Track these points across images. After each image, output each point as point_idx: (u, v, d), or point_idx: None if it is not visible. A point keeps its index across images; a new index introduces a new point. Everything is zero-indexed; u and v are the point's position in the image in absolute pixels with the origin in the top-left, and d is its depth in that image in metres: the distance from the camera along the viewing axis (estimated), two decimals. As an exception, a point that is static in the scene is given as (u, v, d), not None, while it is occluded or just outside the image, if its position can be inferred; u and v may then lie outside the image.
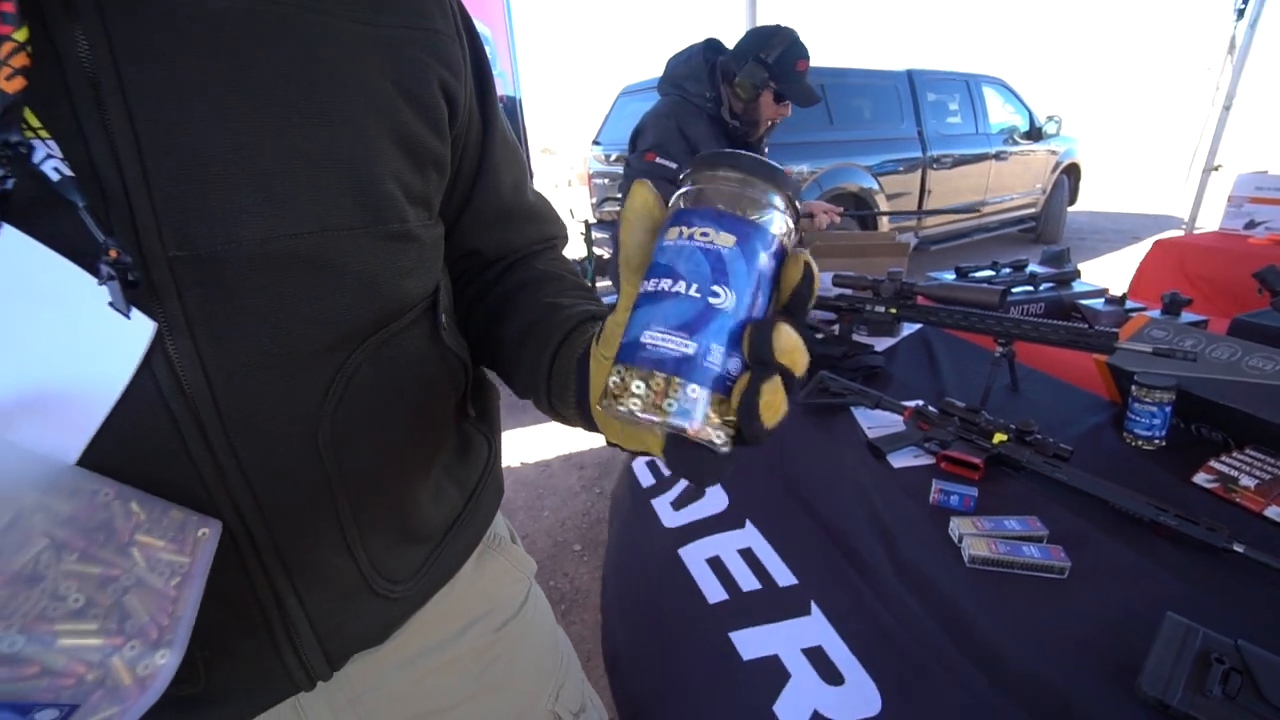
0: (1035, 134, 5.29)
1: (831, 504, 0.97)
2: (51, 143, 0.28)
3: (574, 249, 3.92)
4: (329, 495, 0.39)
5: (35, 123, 0.28)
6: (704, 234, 0.27)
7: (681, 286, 0.26)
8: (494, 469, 0.56)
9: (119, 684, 0.27)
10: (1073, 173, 6.00)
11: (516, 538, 0.63)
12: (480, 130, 0.47)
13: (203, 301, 0.32)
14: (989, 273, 1.85)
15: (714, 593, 0.85)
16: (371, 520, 0.43)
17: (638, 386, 0.26)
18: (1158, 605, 0.67)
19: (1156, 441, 1.02)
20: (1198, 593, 0.72)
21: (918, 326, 1.58)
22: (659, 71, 1.71)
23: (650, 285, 0.27)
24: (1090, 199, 8.54)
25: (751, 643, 0.76)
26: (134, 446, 0.32)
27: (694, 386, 0.26)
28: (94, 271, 0.29)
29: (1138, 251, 5.52)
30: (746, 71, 1.57)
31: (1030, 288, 1.73)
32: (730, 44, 1.68)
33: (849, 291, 1.40)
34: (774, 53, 1.59)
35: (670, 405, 0.26)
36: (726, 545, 0.93)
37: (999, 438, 0.99)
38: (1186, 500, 0.88)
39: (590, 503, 2.19)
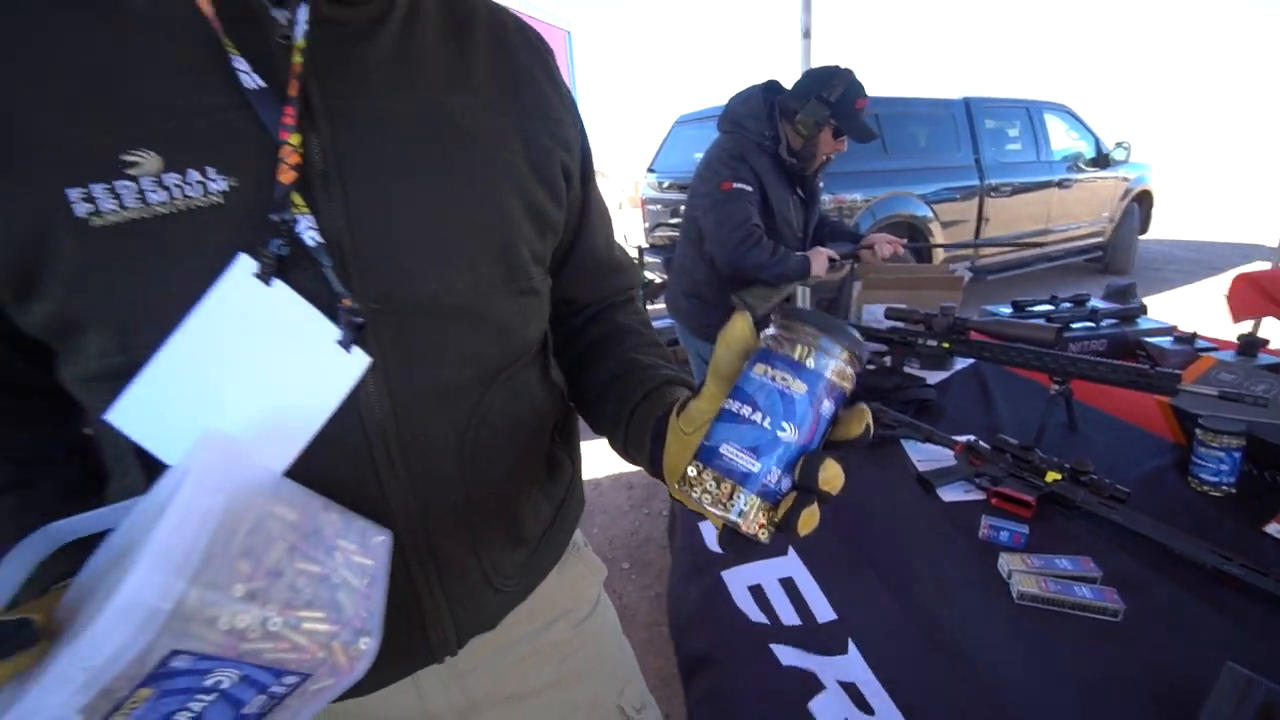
0: (1102, 161, 5.11)
1: (877, 534, 0.98)
2: (309, 217, 0.38)
3: (625, 273, 4.02)
4: (463, 503, 0.48)
5: (299, 201, 0.38)
6: (783, 378, 0.34)
7: (758, 417, 0.34)
8: (576, 485, 0.64)
9: (337, 663, 0.34)
10: (1144, 200, 5.75)
11: (588, 545, 0.70)
12: (581, 197, 0.56)
13: (391, 343, 0.41)
14: (1047, 307, 1.82)
15: (754, 614, 0.88)
16: (489, 526, 0.51)
17: (710, 484, 0.34)
18: (1217, 655, 0.66)
19: (1224, 488, 0.99)
20: (1261, 644, 0.71)
21: (971, 360, 1.58)
22: (712, 101, 1.81)
23: (734, 406, 0.35)
24: (1167, 227, 8.11)
25: (790, 655, 0.78)
26: (332, 455, 0.40)
27: (752, 497, 0.34)
28: (332, 316, 0.39)
29: (1217, 283, 5.22)
30: (809, 109, 1.65)
31: (1091, 324, 1.69)
32: (787, 84, 1.75)
33: (901, 325, 1.42)
34: (836, 92, 1.67)
35: (731, 506, 0.34)
36: (768, 573, 0.95)
37: (1052, 476, 0.99)
38: (1256, 550, 0.86)
39: (638, 522, 2.23)
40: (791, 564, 0.96)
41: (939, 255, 4.00)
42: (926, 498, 1.04)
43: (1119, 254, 5.60)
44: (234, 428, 0.37)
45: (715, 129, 1.90)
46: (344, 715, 0.52)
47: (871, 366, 1.51)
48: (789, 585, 0.93)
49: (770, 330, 0.36)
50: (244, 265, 0.36)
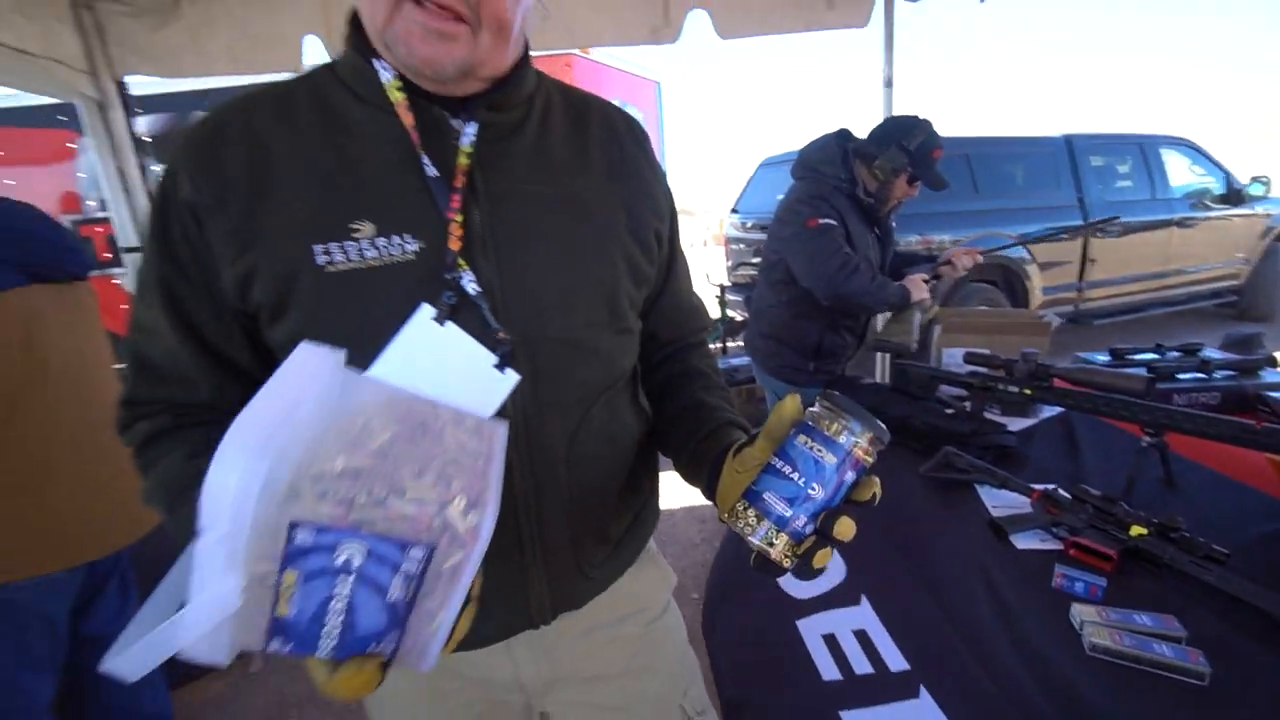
0: (1234, 197, 4.67)
1: (948, 580, 0.98)
2: (470, 274, 0.51)
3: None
4: (567, 499, 0.59)
5: (463, 262, 0.51)
6: (818, 449, 0.45)
7: (795, 476, 0.45)
8: (653, 500, 0.74)
9: (457, 533, 0.39)
10: (1290, 239, 5.17)
11: (660, 555, 0.79)
12: (669, 252, 0.69)
13: (526, 368, 0.54)
14: (1151, 356, 1.72)
15: (828, 670, 0.90)
16: (584, 521, 0.62)
17: (751, 519, 0.46)
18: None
19: (1345, 557, 0.92)
20: (1368, 722, 0.66)
21: (1059, 409, 1.52)
22: (795, 144, 1.90)
23: (778, 463, 0.46)
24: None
25: None
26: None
27: (782, 534, 0.45)
28: (489, 346, 0.52)
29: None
30: (889, 155, 1.72)
31: (1203, 375, 1.58)
32: (858, 132, 1.82)
33: (980, 370, 1.41)
34: (915, 141, 1.74)
35: (766, 538, 0.45)
36: (842, 623, 0.96)
37: (1137, 531, 0.96)
38: (1379, 626, 0.79)
39: (709, 555, 2.26)
40: (864, 614, 0.96)
41: (1036, 298, 3.81)
42: (998, 544, 1.03)
43: (1258, 298, 5.05)
44: None
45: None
46: (453, 672, 0.62)
47: (950, 411, 1.50)
48: (862, 636, 0.94)
49: (815, 408, 0.47)
50: (425, 311, 0.50)
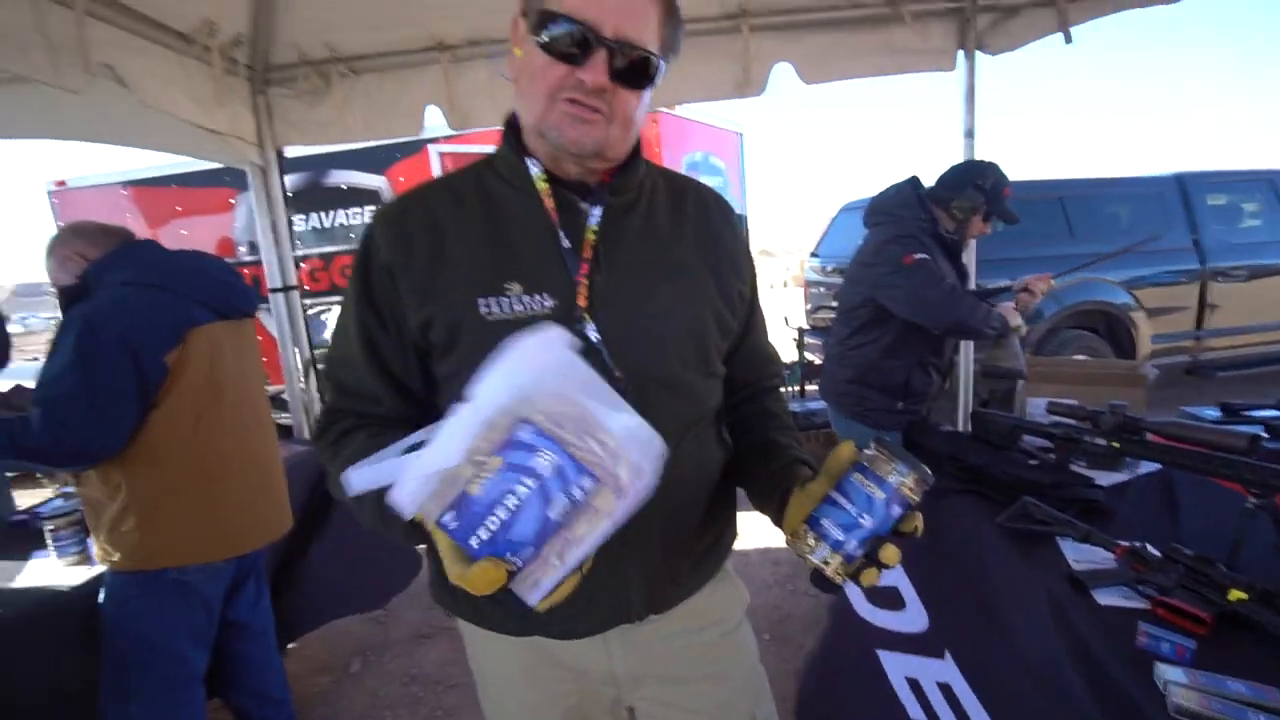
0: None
1: (1029, 634, 0.97)
2: (592, 324, 0.64)
3: (785, 352, 4.15)
4: (660, 516, 0.68)
5: (587, 316, 0.64)
6: (870, 486, 0.54)
7: (850, 508, 0.54)
8: (730, 525, 0.83)
9: (620, 482, 0.46)
10: None
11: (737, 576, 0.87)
12: (749, 306, 0.81)
13: (633, 403, 0.63)
14: (1271, 413, 1.59)
15: (914, 710, 0.91)
16: (674, 534, 0.72)
17: (810, 540, 0.55)
18: None
19: None
20: None
21: (1157, 465, 1.45)
22: (873, 190, 1.97)
23: (836, 496, 0.56)
24: None
25: None
26: None
27: (836, 555, 0.54)
28: (609, 384, 0.62)
29: None
30: (967, 195, 1.82)
31: (1328, 436, 1.46)
32: (925, 180, 1.93)
33: (1066, 420, 1.38)
34: (989, 181, 1.84)
35: (822, 558, 0.55)
36: (927, 674, 0.98)
37: (1236, 595, 0.92)
38: None
39: (782, 598, 2.25)
40: (949, 670, 0.98)
41: (1144, 347, 3.54)
42: (1078, 598, 1.01)
43: None
44: None
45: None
46: (554, 660, 0.72)
47: (1033, 461, 1.46)
48: (947, 691, 0.94)
49: (869, 451, 0.56)
50: None
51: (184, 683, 1.37)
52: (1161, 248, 3.64)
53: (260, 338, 1.69)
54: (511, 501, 0.45)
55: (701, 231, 0.75)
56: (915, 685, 0.95)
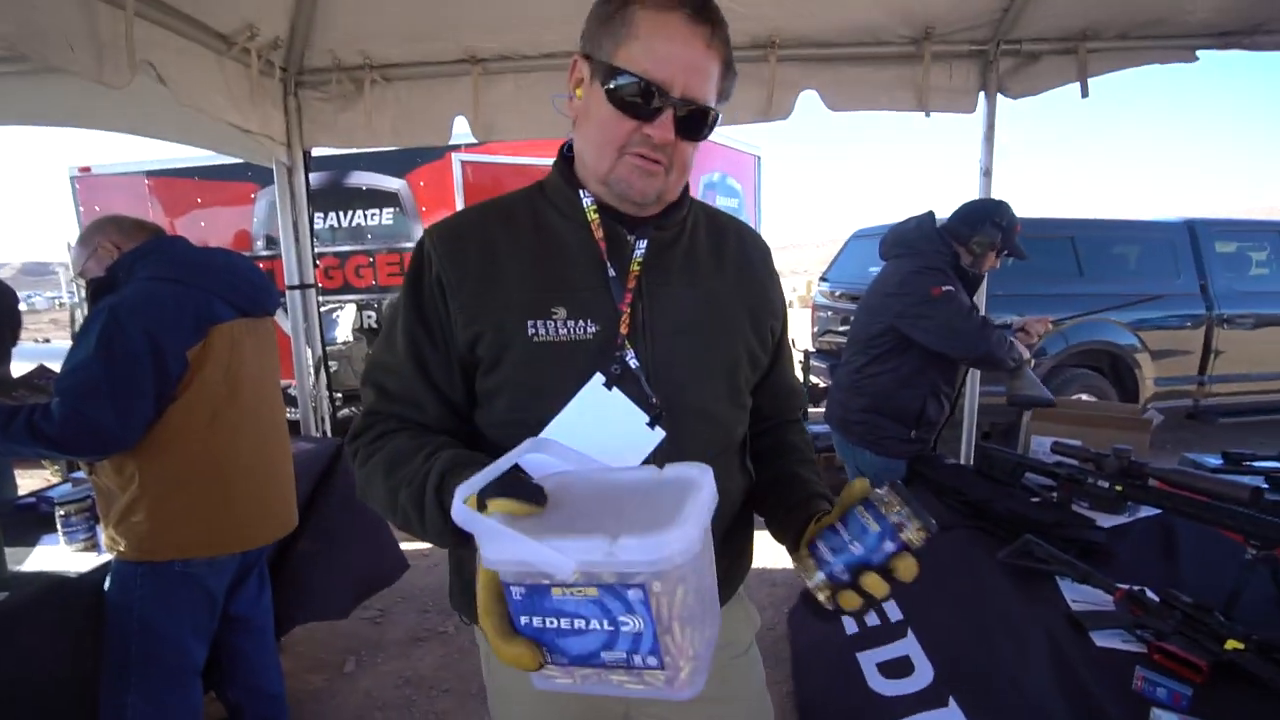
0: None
1: (1027, 677, 0.98)
2: (631, 352, 0.67)
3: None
4: None
5: (628, 344, 0.67)
6: (868, 519, 0.58)
7: (844, 534, 0.59)
8: (747, 549, 0.85)
9: (675, 678, 0.48)
10: None
11: (750, 601, 0.89)
12: (778, 342, 0.82)
13: (666, 429, 0.67)
14: (1273, 464, 1.60)
15: None
16: None
17: (810, 566, 0.60)
18: None
19: None
20: None
21: (1158, 510, 1.46)
22: (884, 218, 2.03)
23: (840, 526, 0.59)
24: None
25: None
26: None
27: (823, 577, 0.59)
28: (644, 409, 0.66)
29: None
30: (985, 232, 1.89)
31: (1330, 491, 1.47)
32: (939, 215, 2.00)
33: (1070, 461, 1.40)
34: (1005, 219, 1.90)
35: (811, 579, 0.59)
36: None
37: (1232, 644, 0.93)
38: None
39: (777, 619, 2.25)
40: (953, 715, 0.99)
41: (1147, 389, 3.55)
42: (1077, 638, 1.02)
43: None
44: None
45: (878, 252, 2.08)
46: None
47: (1036, 499, 1.48)
48: None
49: (880, 490, 0.60)
50: (598, 378, 0.66)
51: (184, 675, 1.37)
52: (1170, 292, 3.67)
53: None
54: (579, 624, 0.47)
55: (739, 268, 0.78)
56: None
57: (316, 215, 4.04)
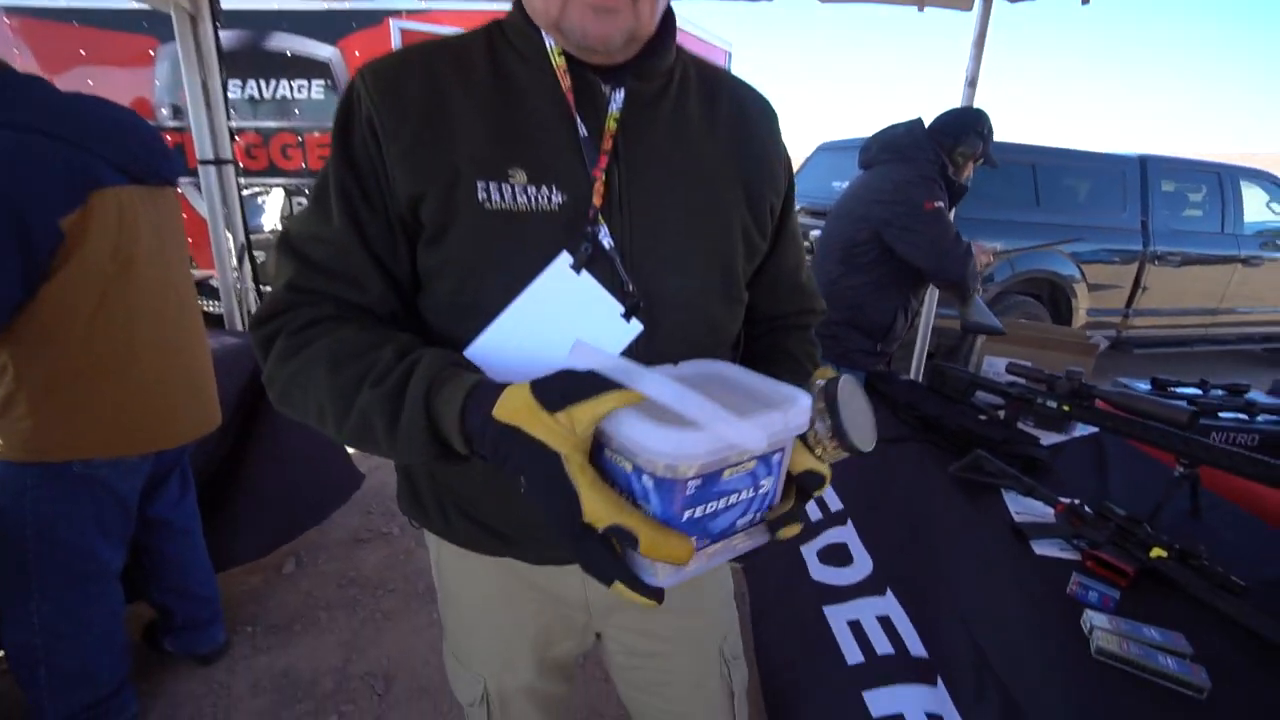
0: (1308, 241, 4.48)
1: (969, 577, 1.03)
2: (605, 228, 0.55)
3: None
4: None
5: (601, 218, 0.56)
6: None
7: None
8: None
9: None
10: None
11: None
12: (780, 224, 0.71)
13: (644, 323, 0.58)
14: (1194, 391, 1.71)
15: (852, 654, 0.95)
16: None
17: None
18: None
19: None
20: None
21: (1093, 429, 1.54)
22: (854, 131, 1.97)
23: None
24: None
25: (882, 701, 0.87)
26: None
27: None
28: (619, 299, 0.56)
29: None
30: (969, 142, 1.84)
31: (1245, 416, 1.58)
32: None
33: (1021, 381, 1.43)
34: (986, 127, 1.86)
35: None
36: (867, 611, 1.02)
37: (1157, 552, 0.99)
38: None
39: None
40: (889, 604, 1.02)
41: (1080, 318, 3.73)
42: (1019, 548, 1.07)
43: (1312, 349, 4.88)
44: (543, 370, 0.55)
45: (855, 160, 2.00)
46: (529, 582, 0.69)
47: (983, 417, 1.52)
48: (885, 622, 0.98)
49: (823, 384, 0.54)
50: (563, 259, 0.55)
51: (94, 579, 1.28)
52: (1113, 226, 3.78)
53: (186, 216, 1.50)
54: (734, 499, 0.44)
55: (736, 132, 0.65)
56: (855, 626, 0.99)
57: (233, 83, 3.53)
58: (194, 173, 2.18)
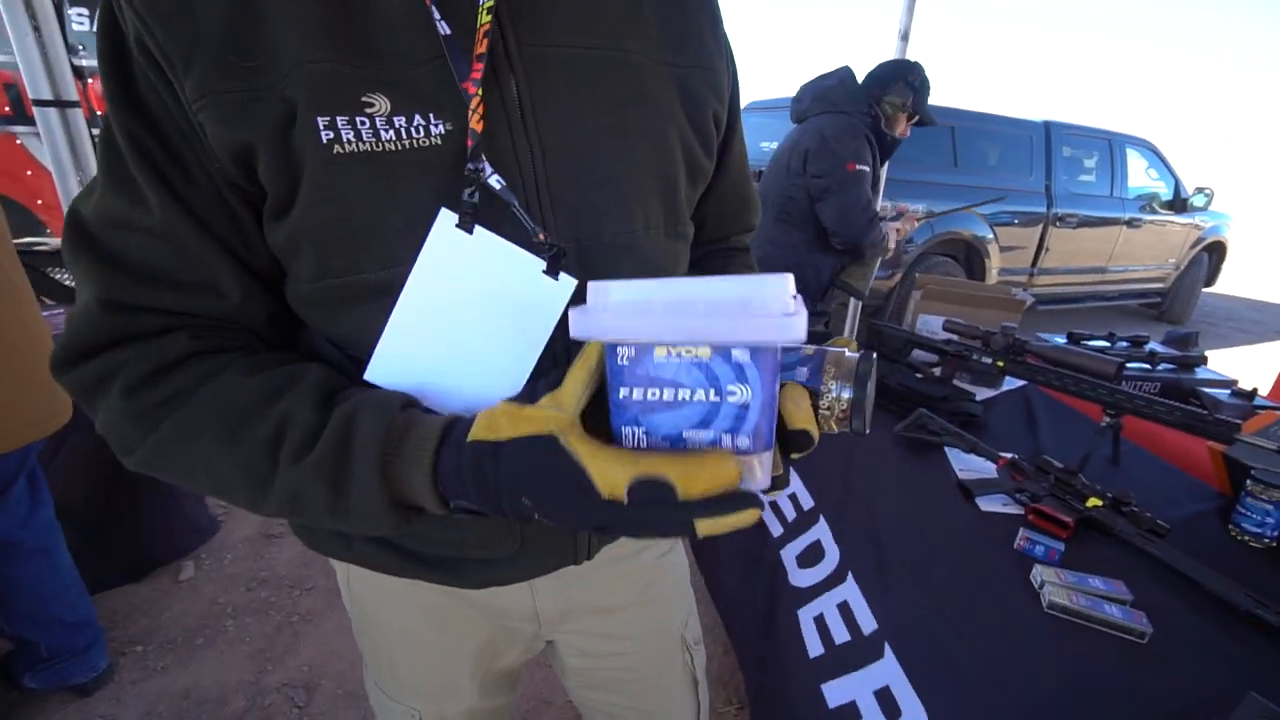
0: (1179, 205, 4.93)
1: (918, 538, 1.02)
2: (487, 164, 0.41)
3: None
4: None
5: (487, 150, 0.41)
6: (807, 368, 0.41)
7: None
8: None
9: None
10: (1217, 251, 5.53)
11: None
12: (725, 140, 0.57)
13: (579, 276, 0.44)
14: (1103, 343, 1.81)
15: (814, 646, 0.92)
16: None
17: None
18: (1240, 687, 0.69)
19: (1267, 541, 1.00)
20: (1283, 683, 0.73)
21: (1020, 383, 1.59)
22: (779, 91, 1.90)
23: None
24: (1236, 284, 7.78)
25: (836, 691, 0.85)
26: (556, 346, 0.46)
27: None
28: (534, 251, 0.43)
29: (1276, 349, 5.02)
30: (897, 90, 1.76)
31: (1147, 365, 1.68)
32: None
33: (956, 338, 1.44)
34: (918, 78, 1.80)
35: None
36: (829, 603, 0.99)
37: (1093, 502, 1.01)
38: (1289, 602, 0.87)
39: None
40: (849, 590, 0.99)
41: (992, 277, 3.93)
42: (965, 505, 1.07)
43: (1177, 303, 5.43)
44: (471, 365, 0.43)
45: (787, 119, 1.94)
46: (461, 600, 0.59)
47: (920, 375, 1.53)
48: (844, 609, 0.96)
49: (841, 350, 0.44)
50: (445, 219, 0.41)
51: None
52: (1021, 188, 3.98)
53: (30, 171, 1.23)
54: (680, 395, 0.34)
55: (673, 18, 0.49)
56: (819, 621, 0.96)
57: (75, 13, 3.00)
58: (32, 120, 1.83)
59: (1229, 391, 1.55)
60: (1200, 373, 1.69)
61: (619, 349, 0.34)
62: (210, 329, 0.43)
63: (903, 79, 1.78)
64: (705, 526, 0.31)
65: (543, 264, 0.43)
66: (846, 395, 0.38)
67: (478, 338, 0.43)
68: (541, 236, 0.43)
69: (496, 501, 0.36)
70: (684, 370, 0.33)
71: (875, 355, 0.39)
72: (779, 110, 3.66)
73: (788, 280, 0.32)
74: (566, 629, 0.66)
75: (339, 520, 0.39)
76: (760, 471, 0.35)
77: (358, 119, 0.38)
